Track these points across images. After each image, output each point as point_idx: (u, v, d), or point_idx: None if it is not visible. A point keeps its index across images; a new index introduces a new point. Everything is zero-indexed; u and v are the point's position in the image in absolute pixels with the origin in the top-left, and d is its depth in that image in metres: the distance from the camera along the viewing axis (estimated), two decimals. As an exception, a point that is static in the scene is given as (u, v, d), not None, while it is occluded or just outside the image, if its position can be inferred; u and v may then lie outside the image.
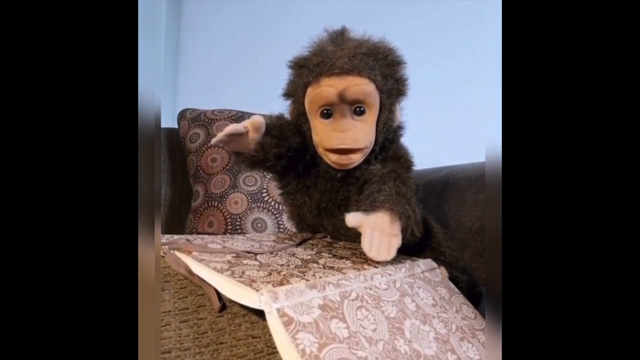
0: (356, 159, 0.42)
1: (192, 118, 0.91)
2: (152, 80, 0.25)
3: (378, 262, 0.36)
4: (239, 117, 0.90)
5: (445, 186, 0.70)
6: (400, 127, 0.48)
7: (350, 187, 0.45)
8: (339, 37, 0.44)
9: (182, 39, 1.24)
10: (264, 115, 0.44)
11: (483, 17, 0.98)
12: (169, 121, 1.07)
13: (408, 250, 0.46)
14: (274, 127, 0.44)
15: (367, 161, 0.44)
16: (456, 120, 1.03)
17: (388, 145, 0.46)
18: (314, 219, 0.47)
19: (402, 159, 0.45)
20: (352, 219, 0.37)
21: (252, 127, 0.41)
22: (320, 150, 0.43)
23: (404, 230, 0.38)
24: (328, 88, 0.40)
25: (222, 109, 0.92)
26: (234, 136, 0.41)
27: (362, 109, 0.41)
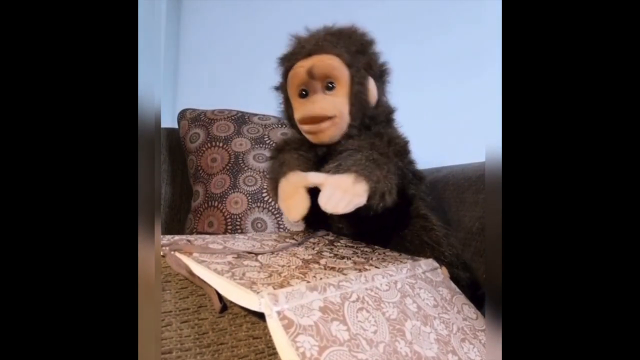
0: (325, 126, 0.45)
1: (192, 118, 0.91)
2: (152, 80, 0.25)
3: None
4: (239, 117, 0.90)
5: (445, 186, 0.70)
6: (386, 108, 0.50)
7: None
8: (316, 30, 0.48)
9: (182, 39, 1.24)
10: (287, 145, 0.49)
11: (483, 16, 0.98)
12: (169, 121, 1.07)
13: (408, 250, 0.46)
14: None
15: (349, 137, 0.46)
16: (456, 120, 1.03)
17: (369, 122, 0.47)
18: None
19: (385, 135, 0.46)
20: (313, 176, 0.39)
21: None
22: (298, 126, 0.47)
23: (372, 194, 0.38)
24: (299, 69, 0.45)
25: (222, 109, 0.92)
26: None
27: (332, 84, 0.45)
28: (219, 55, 1.21)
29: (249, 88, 1.13)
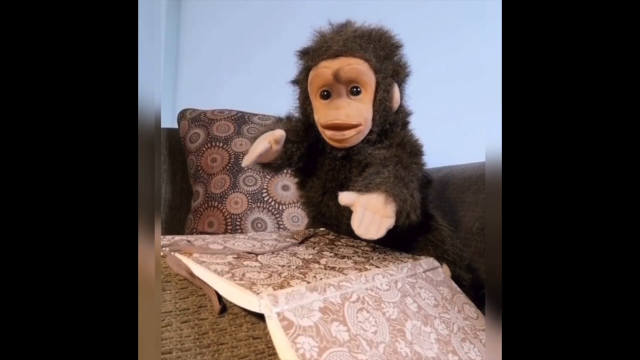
0: (349, 134, 0.43)
1: (192, 118, 0.91)
2: (152, 80, 0.25)
3: (373, 245, 0.37)
4: (239, 117, 0.90)
5: (445, 186, 0.70)
6: (405, 113, 0.49)
7: (352, 168, 0.46)
8: (341, 26, 0.47)
9: (182, 39, 1.24)
10: (276, 121, 0.48)
11: (483, 16, 0.98)
12: (169, 121, 1.07)
13: (412, 247, 0.46)
14: (291, 132, 0.47)
15: (368, 142, 0.45)
16: (456, 120, 1.03)
17: (389, 127, 0.46)
18: (320, 198, 0.48)
19: (407, 145, 0.46)
20: (345, 197, 0.38)
21: (274, 141, 0.44)
22: (320, 129, 0.46)
23: (398, 213, 0.38)
24: (324, 69, 0.43)
25: (222, 109, 0.92)
26: (261, 155, 0.43)
27: (358, 89, 0.44)
28: (219, 55, 1.21)
29: (249, 88, 1.13)
